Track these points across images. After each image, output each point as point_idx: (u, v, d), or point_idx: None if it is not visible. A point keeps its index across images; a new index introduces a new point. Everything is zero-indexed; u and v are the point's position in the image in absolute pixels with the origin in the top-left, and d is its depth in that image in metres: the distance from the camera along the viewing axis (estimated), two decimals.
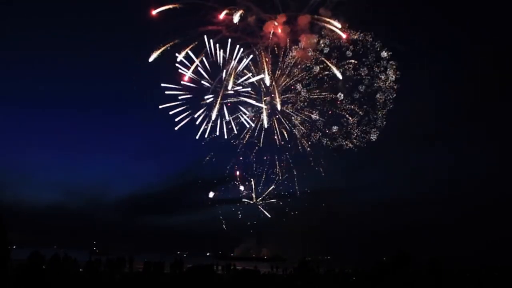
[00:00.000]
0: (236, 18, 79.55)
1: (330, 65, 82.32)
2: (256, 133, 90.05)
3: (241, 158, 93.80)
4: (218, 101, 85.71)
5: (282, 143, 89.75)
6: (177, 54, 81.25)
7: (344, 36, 79.92)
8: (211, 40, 79.91)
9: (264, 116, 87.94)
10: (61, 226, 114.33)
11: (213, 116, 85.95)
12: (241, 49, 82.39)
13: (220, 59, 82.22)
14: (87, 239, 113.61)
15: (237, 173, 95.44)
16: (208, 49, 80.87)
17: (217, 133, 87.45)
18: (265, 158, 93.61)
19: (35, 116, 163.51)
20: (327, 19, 79.39)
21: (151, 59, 79.86)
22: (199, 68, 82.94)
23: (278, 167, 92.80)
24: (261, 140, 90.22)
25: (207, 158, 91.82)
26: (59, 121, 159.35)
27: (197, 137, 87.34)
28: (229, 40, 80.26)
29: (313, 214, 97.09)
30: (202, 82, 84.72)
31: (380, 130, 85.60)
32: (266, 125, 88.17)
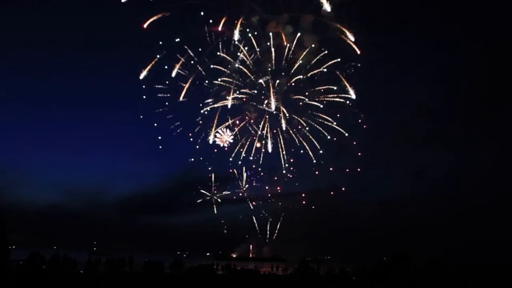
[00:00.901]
0: (236, 35, 79.17)
1: (345, 82, 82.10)
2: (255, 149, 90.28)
3: (243, 168, 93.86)
4: (219, 107, 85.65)
5: (289, 154, 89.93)
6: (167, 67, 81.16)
7: (358, 51, 79.27)
8: (212, 34, 79.66)
9: (269, 142, 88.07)
10: (61, 226, 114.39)
11: (212, 134, 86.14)
12: (243, 51, 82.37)
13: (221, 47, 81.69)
14: (87, 239, 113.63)
15: (237, 173, 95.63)
16: (209, 41, 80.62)
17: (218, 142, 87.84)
18: (262, 174, 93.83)
19: (35, 116, 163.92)
20: (342, 28, 78.65)
21: (141, 76, 79.98)
22: (200, 68, 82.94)
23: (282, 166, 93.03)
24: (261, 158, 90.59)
25: (207, 161, 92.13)
26: (59, 121, 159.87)
27: (197, 146, 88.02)
28: (233, 41, 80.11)
29: (313, 214, 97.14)
30: (205, 83, 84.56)
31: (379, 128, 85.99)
32: (270, 150, 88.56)
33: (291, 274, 43.40)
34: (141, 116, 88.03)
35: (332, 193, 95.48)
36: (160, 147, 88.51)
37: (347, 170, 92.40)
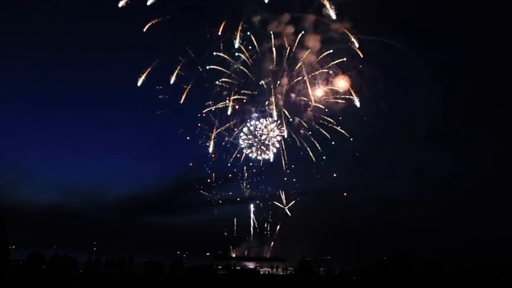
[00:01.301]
0: (236, 44, 78.94)
1: (353, 94, 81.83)
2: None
3: (243, 168, 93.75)
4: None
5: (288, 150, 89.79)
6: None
7: (361, 55, 78.82)
8: (213, 34, 79.16)
9: (271, 154, 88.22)
10: (61, 226, 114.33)
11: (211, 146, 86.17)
12: (244, 52, 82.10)
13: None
14: (87, 239, 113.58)
15: (238, 174, 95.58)
16: (209, 42, 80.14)
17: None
18: (263, 176, 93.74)
19: (35, 116, 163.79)
20: (348, 33, 77.89)
21: (139, 83, 79.79)
22: (200, 69, 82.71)
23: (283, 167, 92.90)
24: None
25: (209, 157, 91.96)
26: (59, 121, 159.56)
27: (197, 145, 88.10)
28: (237, 41, 79.53)
29: (314, 214, 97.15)
30: (206, 85, 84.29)
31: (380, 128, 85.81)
32: (271, 159, 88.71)
33: (291, 274, 43.41)
34: (141, 117, 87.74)
35: (332, 193, 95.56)
36: (161, 147, 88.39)
37: (348, 170, 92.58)
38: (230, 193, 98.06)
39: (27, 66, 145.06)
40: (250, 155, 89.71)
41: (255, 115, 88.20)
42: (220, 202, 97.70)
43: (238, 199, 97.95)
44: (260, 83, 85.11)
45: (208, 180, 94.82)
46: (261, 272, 46.66)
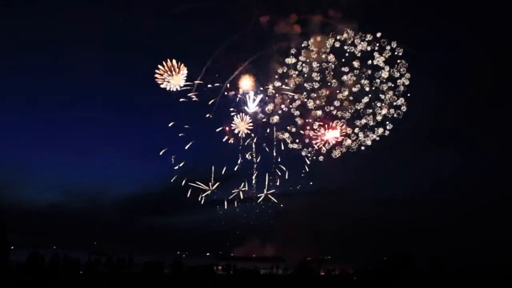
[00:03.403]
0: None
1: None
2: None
3: (241, 160, 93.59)
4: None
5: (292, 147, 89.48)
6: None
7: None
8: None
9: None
10: (61, 226, 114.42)
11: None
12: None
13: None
14: (87, 239, 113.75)
15: (237, 172, 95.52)
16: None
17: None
18: (264, 173, 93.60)
19: (35, 116, 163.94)
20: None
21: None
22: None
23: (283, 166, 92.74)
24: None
25: (207, 160, 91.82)
26: (59, 121, 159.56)
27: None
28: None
29: (314, 214, 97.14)
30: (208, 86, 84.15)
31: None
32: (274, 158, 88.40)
33: (291, 274, 43.35)
34: (141, 117, 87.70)
35: (332, 193, 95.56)
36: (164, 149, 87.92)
37: (348, 171, 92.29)
38: (230, 192, 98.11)
39: (27, 66, 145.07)
40: (249, 157, 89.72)
41: (261, 115, 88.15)
42: (220, 201, 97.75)
43: (239, 197, 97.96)
44: (267, 86, 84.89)
45: (209, 176, 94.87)
46: (261, 272, 46.64)
